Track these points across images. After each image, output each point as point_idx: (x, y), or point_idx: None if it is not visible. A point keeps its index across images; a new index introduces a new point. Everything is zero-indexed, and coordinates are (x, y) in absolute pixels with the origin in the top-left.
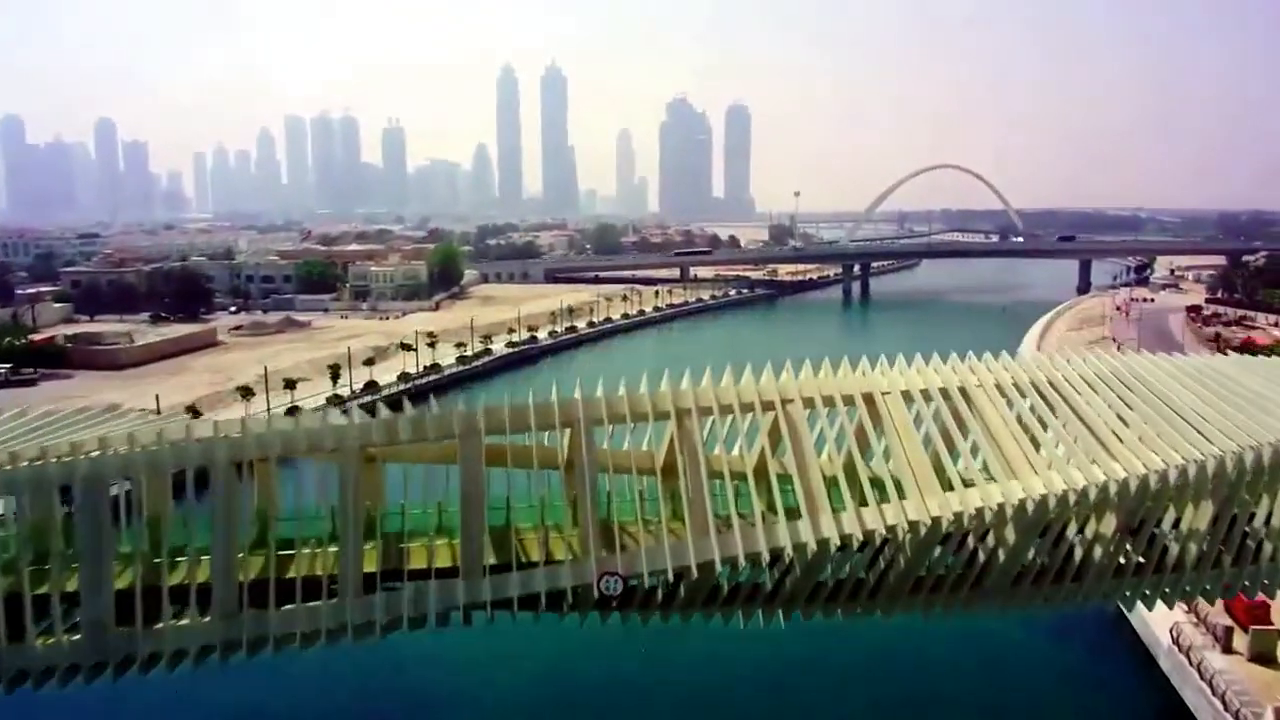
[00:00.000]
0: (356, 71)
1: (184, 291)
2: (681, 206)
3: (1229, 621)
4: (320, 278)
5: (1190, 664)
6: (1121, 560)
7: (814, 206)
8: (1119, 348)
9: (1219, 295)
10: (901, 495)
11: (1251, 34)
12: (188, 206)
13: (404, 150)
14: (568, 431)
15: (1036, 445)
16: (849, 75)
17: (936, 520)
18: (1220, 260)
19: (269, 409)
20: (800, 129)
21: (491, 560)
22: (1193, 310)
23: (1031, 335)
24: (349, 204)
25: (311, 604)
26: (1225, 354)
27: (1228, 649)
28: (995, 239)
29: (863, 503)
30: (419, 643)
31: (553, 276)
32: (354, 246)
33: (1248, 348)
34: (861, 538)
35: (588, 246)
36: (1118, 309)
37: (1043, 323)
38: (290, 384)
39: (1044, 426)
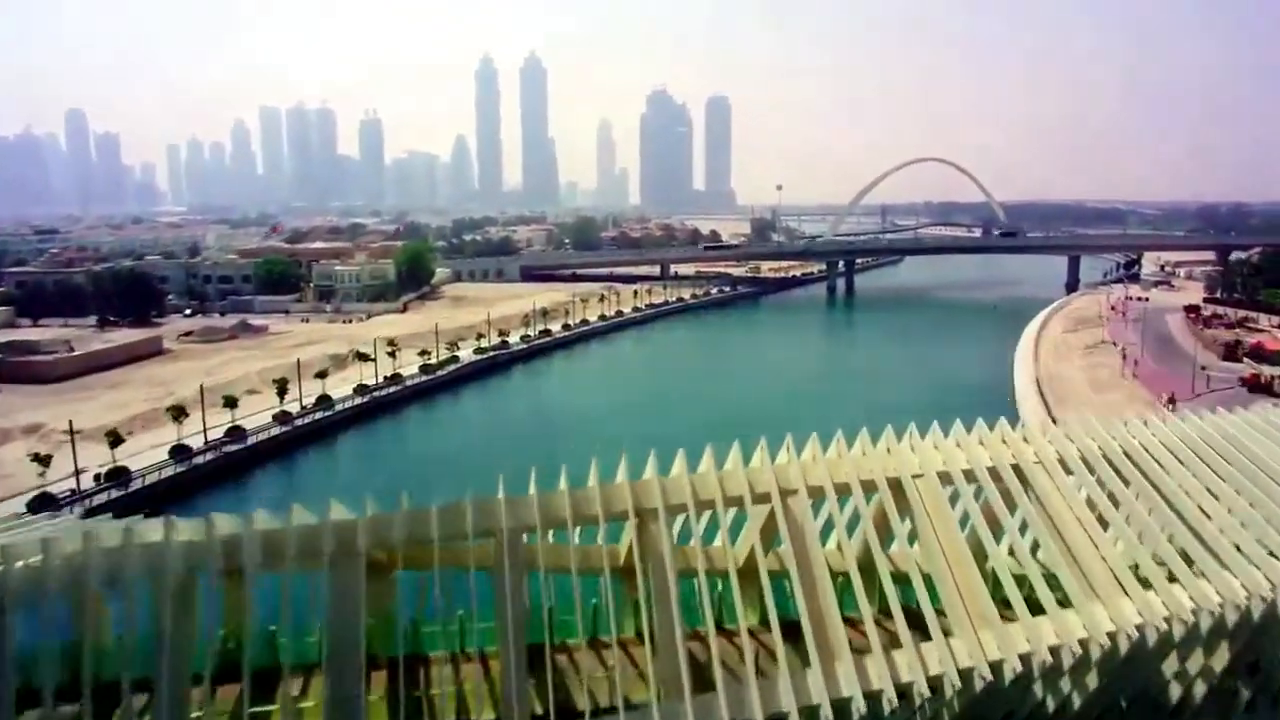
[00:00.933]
0: (338, 67)
1: (133, 293)
2: (662, 199)
3: None
4: (282, 277)
5: None
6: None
7: (796, 199)
8: (1123, 352)
9: (1218, 295)
10: (940, 613)
11: (1231, 30)
12: (162, 199)
13: (382, 142)
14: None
15: (1119, 546)
16: (832, 69)
17: (997, 666)
18: (1209, 255)
19: (205, 430)
20: (782, 122)
21: None
22: (1191, 310)
23: (1028, 337)
24: (325, 197)
25: None
26: (1241, 361)
27: None
28: (978, 232)
29: (885, 607)
30: None
31: (529, 274)
32: (320, 244)
33: (1258, 352)
34: (896, 697)
35: (566, 241)
36: (1113, 309)
37: (1037, 323)
38: (231, 402)
39: (1125, 518)
